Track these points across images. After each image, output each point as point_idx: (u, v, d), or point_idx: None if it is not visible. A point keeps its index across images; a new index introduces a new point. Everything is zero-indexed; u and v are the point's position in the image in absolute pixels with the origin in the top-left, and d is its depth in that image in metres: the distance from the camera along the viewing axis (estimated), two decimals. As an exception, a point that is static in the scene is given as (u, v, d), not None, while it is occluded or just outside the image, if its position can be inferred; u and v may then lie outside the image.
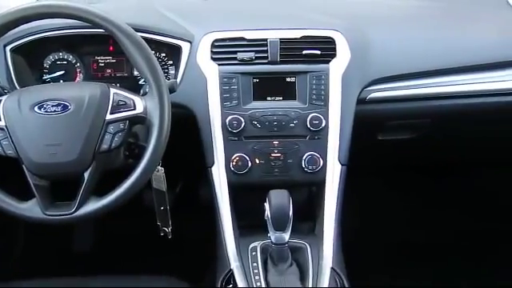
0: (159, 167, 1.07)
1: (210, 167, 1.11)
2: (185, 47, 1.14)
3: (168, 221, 1.16)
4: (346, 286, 1.01)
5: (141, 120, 0.94)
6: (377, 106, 1.18)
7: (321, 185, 1.11)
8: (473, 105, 1.21)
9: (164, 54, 1.19)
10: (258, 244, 1.05)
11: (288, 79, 1.12)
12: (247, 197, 1.11)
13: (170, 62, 1.19)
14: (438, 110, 1.21)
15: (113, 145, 0.92)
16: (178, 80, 1.13)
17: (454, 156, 1.55)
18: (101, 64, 1.21)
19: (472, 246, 1.70)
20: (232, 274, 1.01)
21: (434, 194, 1.81)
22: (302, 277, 1.00)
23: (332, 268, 1.02)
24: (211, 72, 1.11)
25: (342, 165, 1.10)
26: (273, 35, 1.13)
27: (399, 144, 1.33)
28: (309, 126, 1.09)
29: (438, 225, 1.77)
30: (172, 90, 1.00)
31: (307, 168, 1.08)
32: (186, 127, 1.08)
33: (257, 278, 0.99)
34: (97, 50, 1.20)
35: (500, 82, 1.20)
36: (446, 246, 1.71)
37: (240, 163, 1.08)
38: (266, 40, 1.13)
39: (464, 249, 1.70)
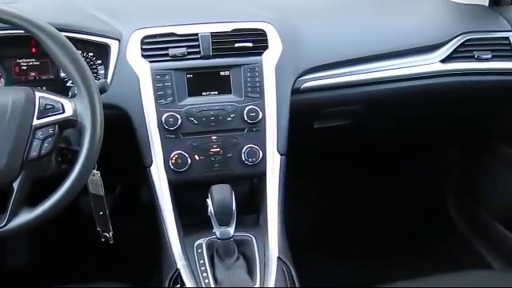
0: (95, 171, 1.03)
1: (149, 167, 1.08)
2: (113, 45, 1.10)
3: (108, 226, 1.12)
4: (293, 273, 1.03)
5: (71, 123, 0.90)
6: (311, 95, 1.20)
7: (262, 176, 1.11)
8: (401, 89, 1.27)
9: (92, 54, 1.14)
10: (203, 241, 1.04)
11: (222, 73, 1.11)
12: (189, 194, 1.09)
13: (99, 62, 1.14)
14: (369, 96, 1.26)
15: (42, 151, 0.88)
16: (109, 80, 1.09)
17: (386, 139, 1.61)
18: (23, 67, 1.14)
19: (412, 227, 1.78)
20: (179, 274, 1.00)
21: (372, 178, 1.88)
22: (250, 269, 1.01)
23: (278, 257, 1.03)
24: (143, 70, 1.09)
25: (281, 155, 1.11)
26: (204, 29, 1.12)
27: (335, 131, 1.37)
28: (246, 118, 1.09)
29: (378, 208, 1.84)
30: (103, 91, 0.97)
31: (247, 161, 1.08)
32: (121, 128, 1.05)
33: (204, 275, 0.98)
34: (18, 52, 1.13)
35: (424, 66, 1.27)
36: (389, 229, 1.79)
37: (179, 161, 1.07)
38: (197, 35, 1.11)
39: (407, 230, 1.78)
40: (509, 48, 1.30)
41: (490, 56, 1.28)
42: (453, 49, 1.27)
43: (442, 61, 1.27)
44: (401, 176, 1.87)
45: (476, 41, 1.29)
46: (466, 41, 1.28)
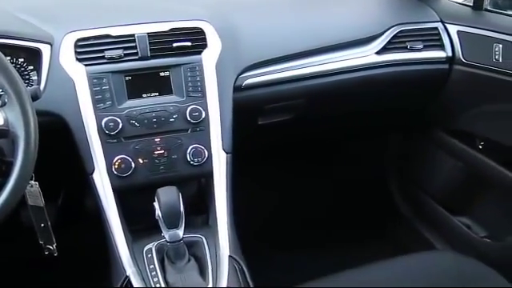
0: (32, 182, 0.98)
1: (91, 174, 1.05)
2: (45, 50, 1.06)
3: (51, 237, 1.08)
4: (246, 271, 1.03)
5: (3, 134, 0.85)
6: (253, 92, 1.21)
7: (209, 176, 1.10)
8: (341, 81, 1.30)
9: (22, 60, 1.08)
10: (152, 245, 1.03)
11: (162, 74, 1.09)
12: (136, 199, 1.07)
13: (31, 68, 1.09)
14: (310, 90, 1.28)
15: None
16: (42, 86, 1.04)
17: (330, 131, 1.65)
18: None
19: (359, 214, 1.83)
20: (129, 281, 0.98)
21: (319, 169, 1.92)
22: (202, 270, 1.00)
23: (230, 256, 1.03)
24: (78, 74, 1.05)
25: (226, 153, 1.11)
26: (140, 30, 1.10)
27: (279, 126, 1.38)
28: (189, 118, 1.08)
29: (326, 198, 1.88)
30: (35, 98, 0.93)
31: (193, 161, 1.07)
32: (59, 135, 1.01)
33: (155, 279, 0.96)
34: None
35: (361, 58, 1.31)
36: (338, 217, 1.83)
37: (123, 166, 1.04)
38: (133, 35, 1.09)
39: (355, 217, 1.83)
40: (438, 38, 1.36)
41: (421, 46, 1.34)
42: (387, 40, 1.32)
43: (378, 52, 1.31)
44: (346, 165, 1.92)
45: (408, 32, 1.34)
46: (398, 32, 1.33)
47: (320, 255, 1.56)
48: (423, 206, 1.73)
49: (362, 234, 1.72)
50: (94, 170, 1.05)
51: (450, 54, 1.35)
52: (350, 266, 1.00)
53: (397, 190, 1.88)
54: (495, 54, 1.23)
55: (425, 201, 1.71)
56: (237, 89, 1.16)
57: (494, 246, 1.40)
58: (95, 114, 1.04)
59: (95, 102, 1.04)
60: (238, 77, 1.17)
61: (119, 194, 1.06)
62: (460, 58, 1.34)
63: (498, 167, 1.33)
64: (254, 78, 1.20)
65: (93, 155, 1.04)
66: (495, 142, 1.33)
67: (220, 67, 1.13)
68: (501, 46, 1.21)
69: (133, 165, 1.05)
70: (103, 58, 1.06)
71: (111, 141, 1.05)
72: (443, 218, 1.62)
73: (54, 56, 1.06)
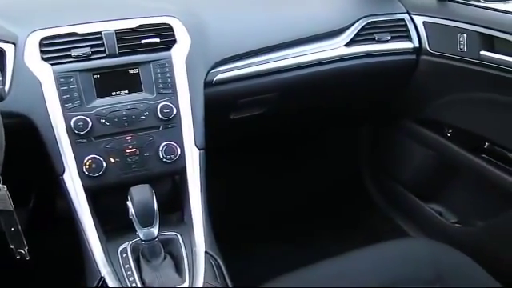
0: (0, 185, 0.96)
1: (61, 175, 1.03)
2: (8, 50, 1.03)
3: (22, 241, 1.05)
4: (222, 266, 1.03)
5: None
6: (224, 87, 1.20)
7: (182, 172, 1.10)
8: (311, 74, 1.31)
9: None
10: (127, 245, 1.02)
11: (131, 71, 1.08)
12: (109, 199, 1.06)
13: None
14: (281, 83, 1.28)
15: None
16: (7, 87, 1.01)
17: (302, 124, 1.66)
18: None
19: (334, 204, 1.86)
20: (104, 282, 0.96)
21: (293, 162, 1.93)
22: (178, 267, 1.00)
23: (206, 252, 1.03)
24: (44, 73, 1.02)
25: (199, 149, 1.10)
26: (107, 27, 1.08)
27: (252, 121, 1.38)
28: (160, 115, 1.07)
29: (302, 189, 1.90)
30: (0, 99, 0.90)
31: (165, 158, 1.07)
32: (27, 136, 0.99)
33: (131, 279, 0.96)
34: None
35: (330, 50, 1.32)
36: (313, 208, 1.84)
37: (94, 165, 1.02)
38: (100, 33, 1.07)
39: (329, 207, 1.85)
40: (405, 29, 1.38)
41: (389, 38, 1.36)
42: (355, 33, 1.33)
43: (346, 45, 1.33)
44: (319, 158, 1.94)
45: (375, 24, 1.36)
46: (366, 24, 1.35)
47: (296, 247, 1.57)
48: (396, 195, 1.76)
49: (337, 225, 1.75)
50: (64, 170, 1.03)
51: (416, 44, 1.38)
52: (325, 257, 1.01)
53: (370, 180, 1.91)
54: (460, 44, 1.25)
55: (397, 189, 1.74)
56: (208, 84, 1.15)
57: (464, 231, 1.44)
58: (63, 114, 1.02)
59: (63, 102, 1.02)
60: (208, 72, 1.16)
61: (91, 194, 1.04)
62: (426, 49, 1.36)
63: (466, 154, 1.36)
64: (225, 72, 1.19)
65: (62, 156, 1.02)
66: (463, 129, 1.37)
67: (190, 63, 1.12)
68: (465, 35, 1.24)
69: (104, 164, 1.03)
70: (70, 56, 1.04)
71: (81, 141, 1.03)
72: (415, 206, 1.65)
73: (18, 56, 1.03)
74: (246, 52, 1.21)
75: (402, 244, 1.11)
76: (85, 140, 1.03)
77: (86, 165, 1.02)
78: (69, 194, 1.03)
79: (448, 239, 1.14)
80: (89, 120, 1.02)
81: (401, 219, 1.73)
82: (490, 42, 1.18)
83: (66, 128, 1.02)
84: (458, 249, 1.05)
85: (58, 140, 1.02)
